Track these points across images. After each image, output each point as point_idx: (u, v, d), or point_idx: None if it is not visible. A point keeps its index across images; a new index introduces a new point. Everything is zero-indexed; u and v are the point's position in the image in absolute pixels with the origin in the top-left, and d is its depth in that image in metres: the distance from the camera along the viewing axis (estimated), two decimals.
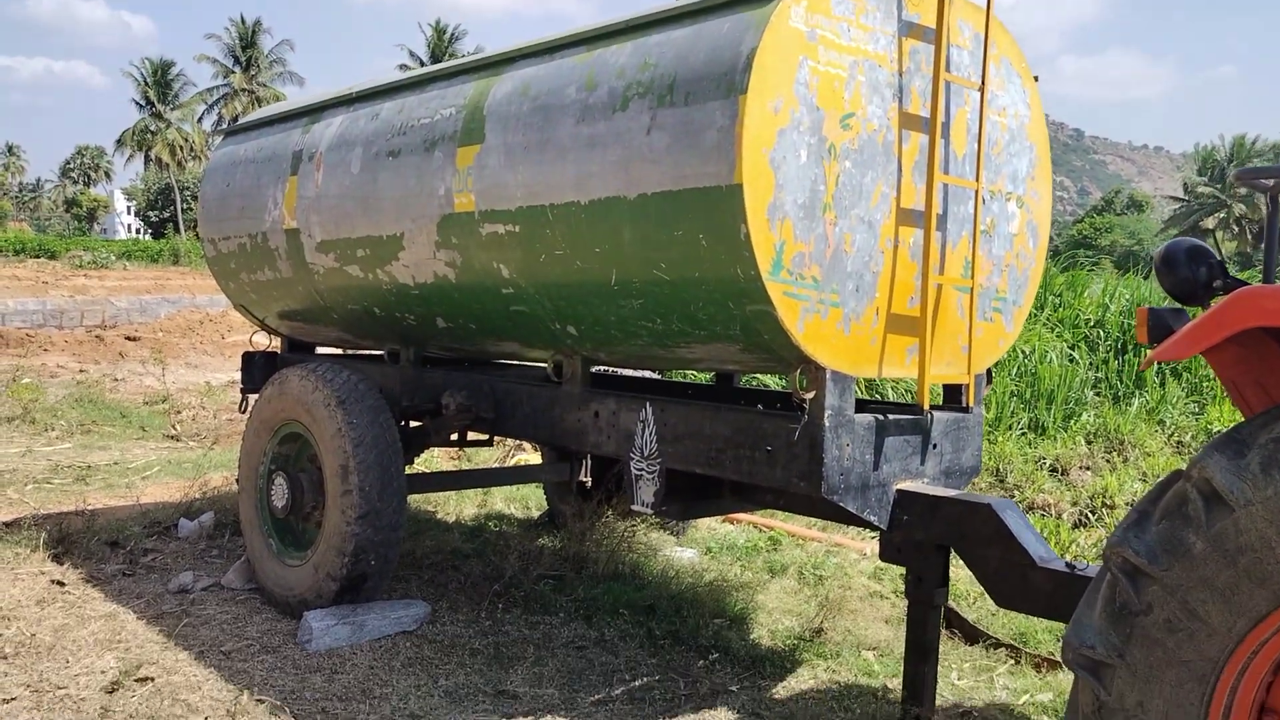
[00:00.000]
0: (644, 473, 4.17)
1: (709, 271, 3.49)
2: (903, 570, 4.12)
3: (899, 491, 3.83)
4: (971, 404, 4.09)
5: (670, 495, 4.15)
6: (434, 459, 8.92)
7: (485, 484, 5.86)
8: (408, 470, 5.41)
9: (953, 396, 4.24)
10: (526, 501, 7.47)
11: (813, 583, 5.81)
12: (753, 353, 3.70)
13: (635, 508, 4.22)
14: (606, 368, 5.95)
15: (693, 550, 6.23)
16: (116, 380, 16.26)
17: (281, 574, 5.03)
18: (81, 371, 17.68)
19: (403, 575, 5.56)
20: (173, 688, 4.05)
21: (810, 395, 3.55)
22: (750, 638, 4.87)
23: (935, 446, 4.04)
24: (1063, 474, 9.15)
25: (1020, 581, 3.47)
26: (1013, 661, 4.74)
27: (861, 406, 3.91)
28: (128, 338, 24.64)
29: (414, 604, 4.96)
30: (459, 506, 7.15)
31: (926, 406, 3.79)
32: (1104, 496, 8.05)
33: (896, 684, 4.38)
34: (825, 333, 3.54)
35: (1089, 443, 10.31)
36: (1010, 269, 4.28)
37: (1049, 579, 3.40)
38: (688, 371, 7.63)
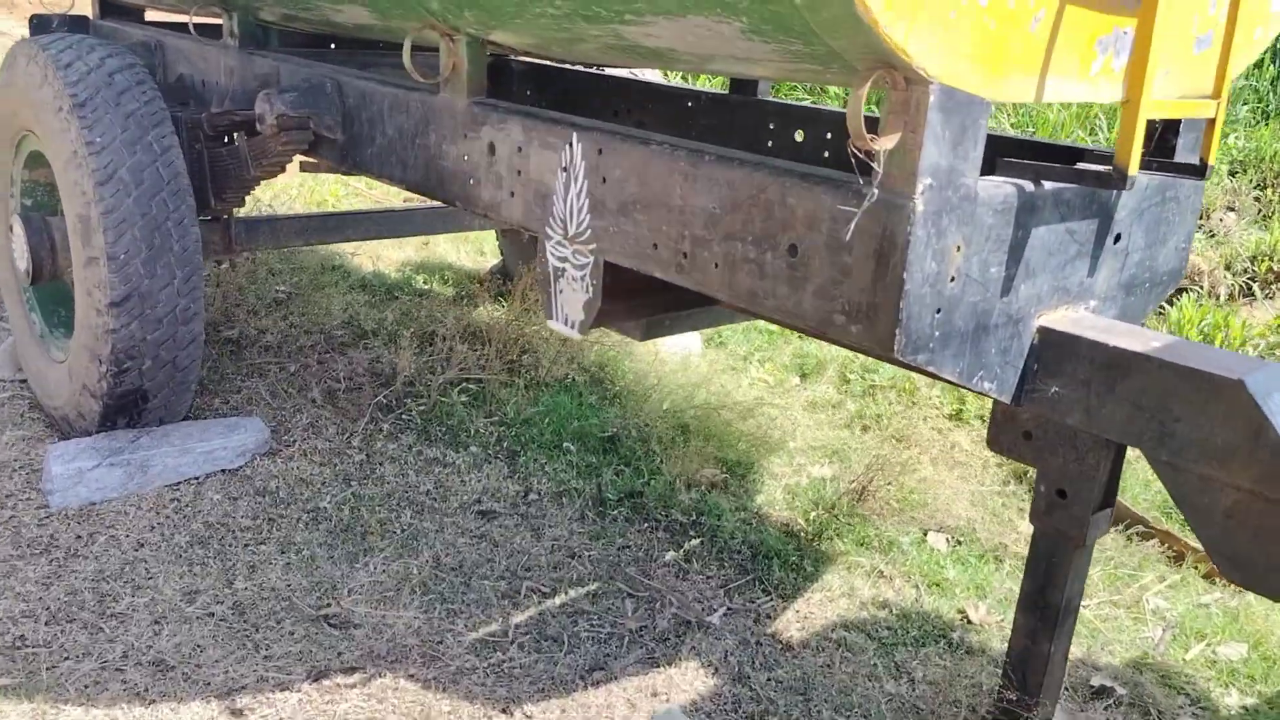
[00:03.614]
0: (568, 266, 2.37)
1: None
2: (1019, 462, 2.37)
3: (1043, 332, 2.03)
4: (1209, 159, 2.14)
5: (616, 306, 2.38)
6: None
7: (366, 235, 3.98)
8: (241, 215, 3.65)
9: (1152, 142, 2.30)
10: (482, 246, 5.71)
11: (860, 393, 4.12)
12: (768, 38, 1.78)
13: (553, 325, 2.45)
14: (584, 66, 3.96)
15: (693, 335, 4.50)
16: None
17: (44, 370, 3.41)
18: None
19: (261, 366, 3.93)
20: None
21: (890, 142, 1.66)
22: (753, 503, 3.24)
23: (1119, 239, 2.18)
24: (1202, 219, 7.18)
25: None
26: (1173, 566, 3.09)
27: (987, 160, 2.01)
28: None
29: (242, 426, 3.35)
30: (377, 251, 5.40)
31: (1135, 164, 1.85)
32: (1271, 257, 6.10)
33: (984, 614, 2.77)
34: None
35: (1233, 175, 8.21)
36: None
37: None
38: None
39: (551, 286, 2.43)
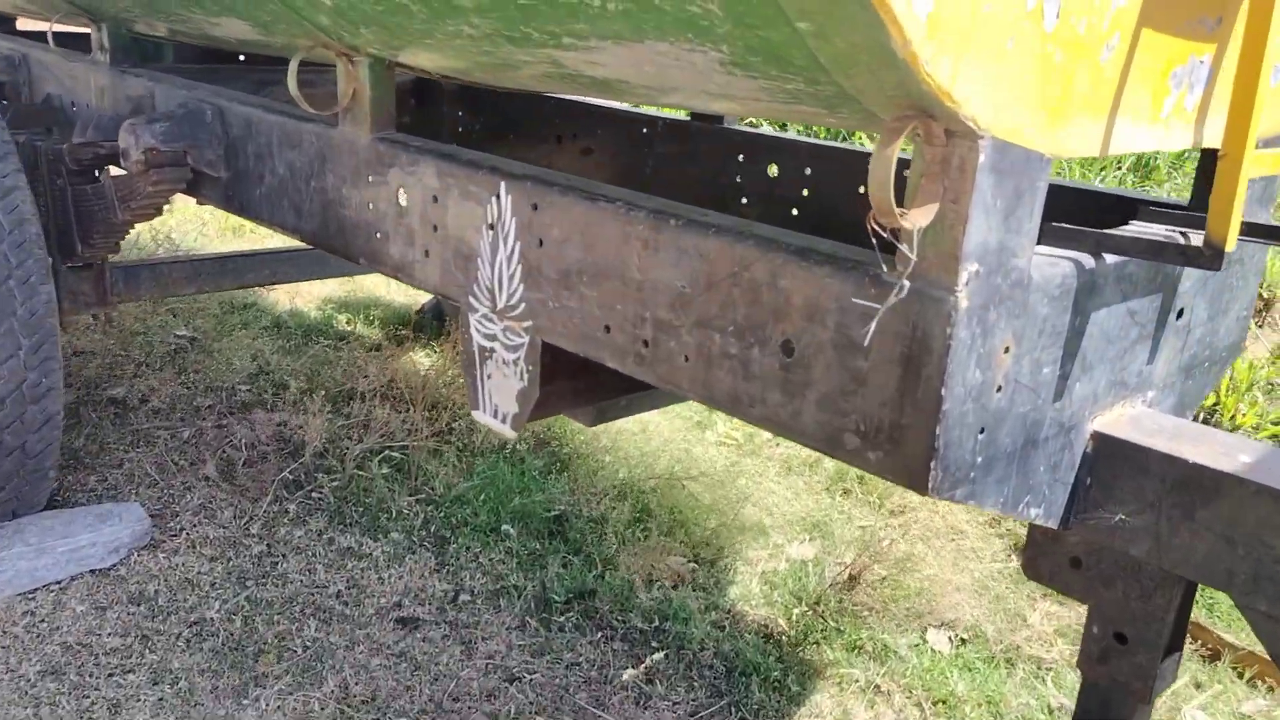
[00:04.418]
0: (497, 346, 1.92)
1: None
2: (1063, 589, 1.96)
3: (1098, 439, 1.62)
4: None
5: (559, 388, 1.94)
6: None
7: (272, 279, 3.47)
8: (120, 260, 3.16)
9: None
10: None
11: None
12: (756, 71, 1.35)
13: (480, 418, 2.00)
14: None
15: None
16: None
17: None
18: None
19: (149, 433, 3.42)
20: None
21: (925, 217, 1.24)
22: (726, 600, 2.81)
23: (1181, 315, 1.78)
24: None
25: None
26: (1207, 666, 2.71)
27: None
28: None
29: (115, 514, 2.86)
30: (296, 285, 4.90)
31: (1234, 237, 1.44)
32: (1260, 284, 5.77)
33: None
34: (983, 20, 1.17)
35: None
36: None
37: None
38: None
39: (478, 370, 1.98)
